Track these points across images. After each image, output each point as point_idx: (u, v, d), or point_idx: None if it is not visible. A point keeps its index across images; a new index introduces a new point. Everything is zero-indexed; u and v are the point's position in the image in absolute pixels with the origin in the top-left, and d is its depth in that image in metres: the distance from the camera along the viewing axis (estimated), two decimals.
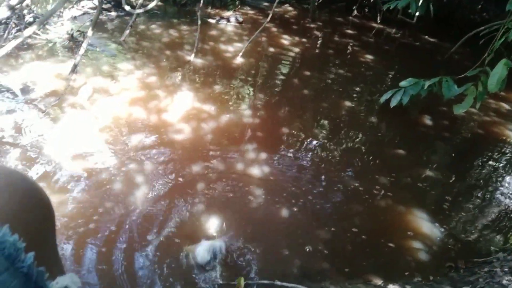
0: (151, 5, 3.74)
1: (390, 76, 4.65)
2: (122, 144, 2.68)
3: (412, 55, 5.28)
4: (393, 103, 3.30)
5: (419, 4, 4.06)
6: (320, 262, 2.05)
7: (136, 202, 2.24)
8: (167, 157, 2.65)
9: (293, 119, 3.41)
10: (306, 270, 1.98)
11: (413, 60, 5.06)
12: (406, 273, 2.05)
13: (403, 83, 3.37)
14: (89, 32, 3.41)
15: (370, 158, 3.07)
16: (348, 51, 5.13)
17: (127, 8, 3.74)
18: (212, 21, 5.24)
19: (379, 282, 1.95)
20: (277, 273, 1.90)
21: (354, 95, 3.97)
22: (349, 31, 5.75)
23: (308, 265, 2.02)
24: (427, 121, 3.68)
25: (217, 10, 5.63)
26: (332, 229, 2.28)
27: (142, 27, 4.67)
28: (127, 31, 4.09)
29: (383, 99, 3.44)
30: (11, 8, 3.60)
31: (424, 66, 4.74)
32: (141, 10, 3.81)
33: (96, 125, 2.83)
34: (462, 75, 3.04)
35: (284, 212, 2.35)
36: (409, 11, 3.96)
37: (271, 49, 4.77)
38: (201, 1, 4.33)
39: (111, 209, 2.17)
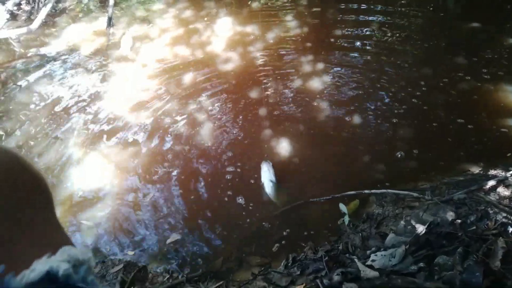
0: None
1: None
2: (176, 86, 2.62)
3: None
4: None
5: None
6: (409, 164, 1.89)
7: (203, 138, 2.20)
8: (222, 88, 2.55)
9: (347, 18, 3.08)
10: (396, 174, 1.85)
11: None
12: (508, 154, 1.83)
13: None
14: None
15: (442, 36, 2.71)
16: None
17: None
18: None
19: (477, 170, 1.77)
20: (375, 182, 1.79)
21: None
22: None
23: (397, 169, 1.88)
24: None
25: None
26: (415, 122, 2.09)
27: None
28: None
29: None
30: None
31: None
32: None
33: (145, 72, 2.78)
34: None
35: (356, 119, 2.18)
36: None
37: None
38: None
39: (182, 150, 2.16)
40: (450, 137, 1.99)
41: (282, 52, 2.82)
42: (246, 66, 2.71)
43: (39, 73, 2.91)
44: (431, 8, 3.08)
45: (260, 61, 2.76)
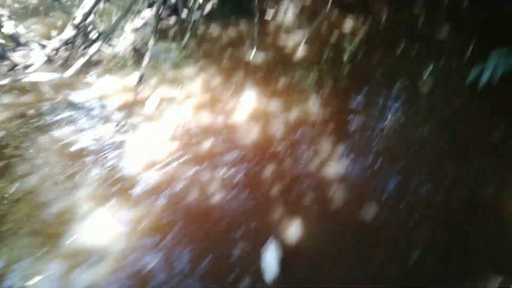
0: (207, 9, 3.68)
1: (470, 48, 4.15)
2: (194, 152, 2.64)
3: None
4: (483, 80, 2.91)
5: None
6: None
7: (212, 210, 2.17)
8: (239, 160, 2.55)
9: (366, 106, 3.15)
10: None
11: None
12: None
13: (492, 55, 2.96)
14: (150, 43, 3.43)
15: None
16: (418, 26, 4.67)
17: (184, 15, 3.74)
18: (269, 13, 5.09)
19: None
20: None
21: (430, 74, 3.58)
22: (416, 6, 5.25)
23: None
24: None
25: (271, 2, 5.46)
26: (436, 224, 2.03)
27: (201, 28, 4.65)
28: (187, 36, 4.08)
29: (471, 76, 3.04)
30: (76, 26, 3.77)
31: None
32: (197, 16, 3.77)
33: (166, 134, 2.82)
34: None
35: (371, 212, 2.14)
36: None
37: (333, 36, 4.49)
38: None
39: (189, 219, 2.12)
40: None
41: (303, 132, 2.85)
42: (265, 141, 2.74)
43: (64, 117, 2.99)
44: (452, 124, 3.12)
45: (279, 138, 2.78)
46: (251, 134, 2.80)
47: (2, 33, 3.56)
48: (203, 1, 3.95)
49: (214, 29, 4.71)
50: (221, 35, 4.58)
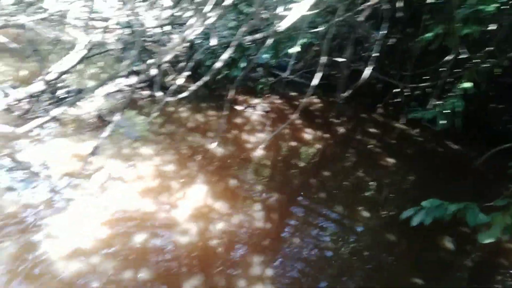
0: (184, 94, 3.85)
1: (411, 187, 4.52)
2: (123, 245, 2.58)
3: (435, 163, 5.15)
4: (415, 223, 3.12)
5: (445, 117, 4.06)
6: None
7: None
8: (168, 265, 2.51)
9: (304, 225, 3.26)
10: None
11: (436, 169, 4.92)
12: None
13: (425, 203, 3.22)
14: (116, 117, 3.49)
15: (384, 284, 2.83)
16: (369, 151, 5.05)
17: (158, 94, 3.89)
18: (238, 108, 5.35)
19: None
20: None
21: (371, 205, 3.81)
22: (372, 130, 5.72)
23: None
24: (449, 244, 3.44)
25: (245, 97, 5.78)
26: None
27: (171, 108, 4.78)
28: (155, 113, 4.19)
29: (404, 215, 3.27)
30: (47, 82, 3.80)
31: (448, 177, 4.59)
32: (172, 98, 3.92)
33: (101, 217, 2.76)
34: (490, 203, 2.88)
35: None
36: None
37: (293, 143, 4.75)
38: (230, 89, 4.43)
39: None
40: None
41: (239, 245, 2.87)
42: (200, 247, 2.73)
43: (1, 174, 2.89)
44: (383, 253, 3.29)
45: (214, 244, 2.79)
46: (186, 238, 2.78)
47: None
48: (180, 85, 4.11)
49: (183, 111, 4.87)
50: (188, 117, 4.73)
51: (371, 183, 4.26)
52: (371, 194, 4.08)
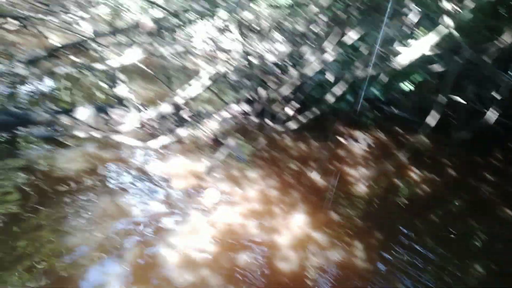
0: (293, 125, 4.01)
1: None
2: (228, 261, 2.75)
3: None
4: None
5: None
6: None
7: None
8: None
9: (405, 266, 3.08)
10: None
11: None
12: None
13: None
14: (231, 142, 3.79)
15: None
16: (483, 199, 4.59)
17: (268, 122, 4.11)
18: (341, 139, 5.34)
19: None
20: None
21: (480, 256, 3.45)
22: (488, 176, 5.20)
23: None
24: None
25: (349, 129, 5.75)
26: None
27: (276, 136, 4.99)
28: (262, 141, 4.41)
29: None
30: (174, 105, 4.28)
31: None
32: (280, 127, 4.10)
33: (212, 232, 2.99)
34: None
35: None
36: None
37: (397, 181, 4.57)
38: (336, 121, 4.47)
39: None
40: None
41: (343, 276, 2.84)
42: (298, 275, 2.77)
43: (128, 183, 3.33)
44: None
45: (312, 276, 2.80)
46: (286, 265, 2.85)
47: (112, 91, 4.15)
48: (289, 115, 4.31)
49: (288, 138, 5.04)
50: (292, 145, 4.87)
51: (482, 233, 3.87)
52: (481, 245, 3.70)
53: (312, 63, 3.86)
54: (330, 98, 4.14)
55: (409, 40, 4.53)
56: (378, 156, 5.11)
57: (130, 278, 2.47)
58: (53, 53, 3.64)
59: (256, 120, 5.26)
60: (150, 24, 3.36)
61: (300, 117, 4.74)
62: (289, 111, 4.42)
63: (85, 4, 4.90)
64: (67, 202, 2.99)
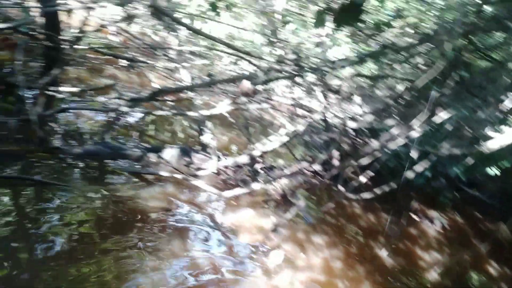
0: (366, 195, 3.93)
1: None
2: None
3: None
4: None
5: None
6: None
7: None
8: None
9: None
10: None
11: None
12: None
13: None
14: (300, 201, 3.79)
15: None
16: None
17: (340, 187, 4.06)
18: (414, 216, 5.08)
19: None
20: None
21: None
22: None
23: None
24: None
25: (423, 206, 5.46)
26: None
27: (345, 202, 4.90)
28: (331, 205, 4.36)
29: None
30: (251, 156, 4.42)
31: None
32: (352, 195, 4.04)
33: None
34: None
35: None
36: None
37: (473, 274, 4.19)
38: (410, 197, 4.29)
39: None
40: None
41: None
42: None
43: (196, 227, 3.44)
44: None
45: None
46: None
47: (201, 136, 4.41)
48: (362, 183, 4.23)
49: (356, 206, 4.90)
50: (361, 215, 4.73)
51: None
52: None
53: (395, 136, 3.80)
54: (408, 172, 4.01)
55: (502, 126, 4.31)
56: (453, 241, 4.76)
57: None
58: (153, 95, 3.99)
59: (326, 181, 5.23)
60: (249, 86, 3.59)
61: (373, 186, 4.63)
62: (363, 178, 4.34)
63: (187, 53, 5.39)
64: (136, 233, 3.13)
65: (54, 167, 3.58)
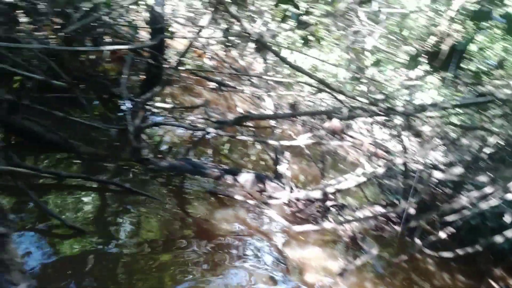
0: (446, 254, 3.65)
1: None
2: None
3: None
4: None
5: None
6: None
7: None
8: None
9: None
10: None
11: None
12: None
13: None
14: (371, 247, 3.63)
15: None
16: None
17: (416, 241, 3.82)
18: (494, 284, 4.58)
19: None
20: None
21: None
22: None
23: None
24: None
25: (506, 274, 4.91)
26: None
27: (419, 256, 4.58)
28: (403, 257, 4.10)
29: None
30: (324, 193, 4.35)
31: None
32: (429, 251, 3.77)
33: None
34: None
35: None
36: None
37: None
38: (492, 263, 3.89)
39: None
40: None
41: None
42: None
43: (257, 257, 3.41)
44: None
45: None
46: None
47: (276, 168, 4.45)
48: (440, 239, 3.95)
49: (431, 263, 4.56)
50: (434, 272, 4.38)
51: None
52: None
53: (486, 194, 3.51)
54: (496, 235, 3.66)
55: None
56: None
57: None
58: (239, 120, 4.15)
59: (400, 230, 4.95)
60: (338, 125, 3.58)
61: (451, 243, 4.29)
62: (442, 234, 4.03)
63: (272, 82, 5.53)
64: (200, 254, 3.18)
65: (138, 176, 3.84)
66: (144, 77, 4.69)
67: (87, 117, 3.89)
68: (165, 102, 4.97)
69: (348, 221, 4.22)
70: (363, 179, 4.32)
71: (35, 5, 3.67)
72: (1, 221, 2.19)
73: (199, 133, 4.34)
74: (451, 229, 4.37)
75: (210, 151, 4.89)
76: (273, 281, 3.24)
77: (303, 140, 4.44)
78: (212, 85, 5.61)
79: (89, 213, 3.18)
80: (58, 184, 3.30)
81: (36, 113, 3.47)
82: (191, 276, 2.88)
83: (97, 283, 2.52)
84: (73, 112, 3.93)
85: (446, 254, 3.68)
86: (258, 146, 5.66)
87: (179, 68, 3.98)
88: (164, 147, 4.36)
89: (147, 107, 4.13)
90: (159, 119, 4.77)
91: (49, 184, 3.29)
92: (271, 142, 4.31)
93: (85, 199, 3.32)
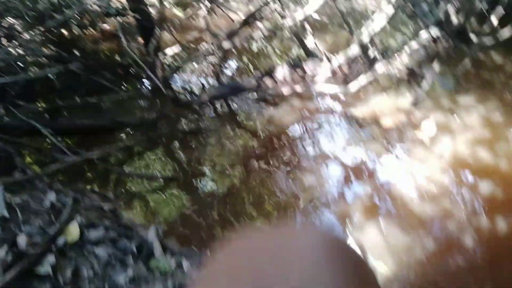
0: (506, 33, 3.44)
1: None
2: (469, 191, 2.60)
3: None
4: None
5: None
6: None
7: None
8: None
9: None
10: None
11: None
12: None
13: None
14: (430, 71, 3.50)
15: None
16: None
17: (474, 38, 3.61)
18: None
19: None
20: None
21: None
22: None
23: None
24: None
25: None
26: None
27: (481, 55, 4.36)
28: (465, 62, 3.93)
29: None
30: (360, 45, 4.18)
31: None
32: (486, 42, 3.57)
33: (438, 165, 2.86)
34: None
35: None
36: None
37: None
38: None
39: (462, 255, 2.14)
40: None
41: None
42: None
43: (337, 128, 3.44)
44: None
45: None
46: None
47: (304, 44, 4.30)
48: (493, 27, 3.70)
49: (496, 56, 4.34)
50: (504, 63, 4.19)
51: None
52: None
53: None
54: None
55: None
56: None
57: (369, 212, 2.60)
58: (244, 24, 3.99)
59: (451, 43, 4.69)
60: None
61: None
62: (494, 19, 3.77)
63: None
64: (286, 153, 3.26)
65: (191, 120, 3.89)
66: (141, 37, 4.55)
67: (117, 95, 3.92)
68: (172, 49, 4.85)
69: (397, 58, 4.06)
70: (391, 10, 4.05)
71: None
72: (107, 201, 2.38)
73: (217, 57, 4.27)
74: (500, 11, 4.06)
75: (236, 67, 4.80)
76: (355, 140, 3.28)
77: (313, 5, 4.22)
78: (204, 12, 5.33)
79: (170, 165, 3.33)
80: (130, 158, 3.43)
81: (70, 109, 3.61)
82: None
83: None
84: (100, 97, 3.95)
85: (506, 33, 3.45)
86: (276, 42, 5.43)
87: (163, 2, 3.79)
88: (196, 85, 4.32)
89: (160, 58, 4.05)
90: (176, 64, 4.68)
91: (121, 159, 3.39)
92: (286, 22, 4.13)
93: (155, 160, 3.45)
